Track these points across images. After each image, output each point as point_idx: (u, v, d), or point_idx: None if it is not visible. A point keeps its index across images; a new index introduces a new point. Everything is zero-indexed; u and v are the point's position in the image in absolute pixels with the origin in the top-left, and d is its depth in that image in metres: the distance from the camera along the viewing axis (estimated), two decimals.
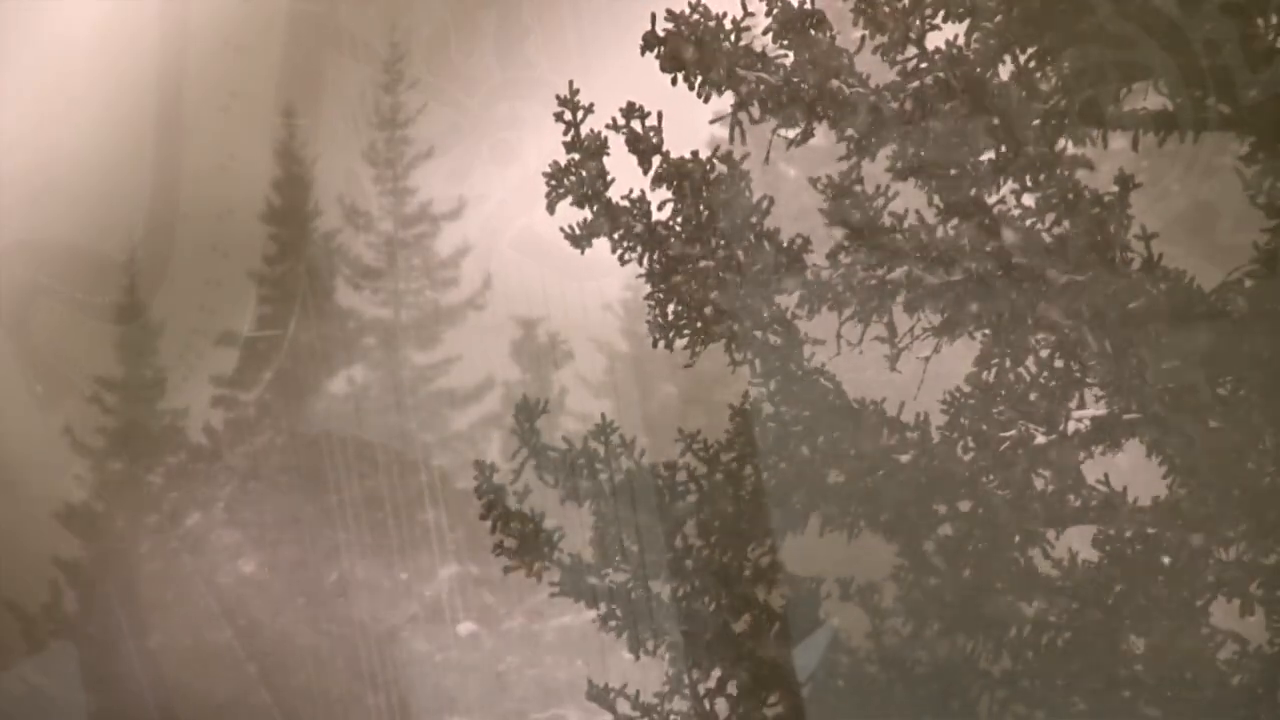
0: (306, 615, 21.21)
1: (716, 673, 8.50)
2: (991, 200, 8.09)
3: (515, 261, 21.47)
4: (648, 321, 8.41)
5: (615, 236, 8.31)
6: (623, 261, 8.33)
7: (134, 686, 20.89)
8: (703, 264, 8.24)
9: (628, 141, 8.24)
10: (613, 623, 8.51)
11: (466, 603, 21.12)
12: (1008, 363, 8.19)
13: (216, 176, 21.73)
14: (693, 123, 8.74)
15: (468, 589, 21.10)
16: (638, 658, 8.51)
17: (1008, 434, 8.14)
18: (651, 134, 8.25)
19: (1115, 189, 8.00)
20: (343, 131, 22.05)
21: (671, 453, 8.69)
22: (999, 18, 7.92)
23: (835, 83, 7.96)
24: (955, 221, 8.06)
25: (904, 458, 8.22)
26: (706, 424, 8.79)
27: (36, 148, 21.33)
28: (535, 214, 8.41)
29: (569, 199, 8.33)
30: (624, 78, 8.42)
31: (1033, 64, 7.95)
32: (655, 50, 8.09)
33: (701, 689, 8.45)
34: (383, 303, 22.44)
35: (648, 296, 8.38)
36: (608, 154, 8.30)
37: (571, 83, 8.25)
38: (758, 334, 8.29)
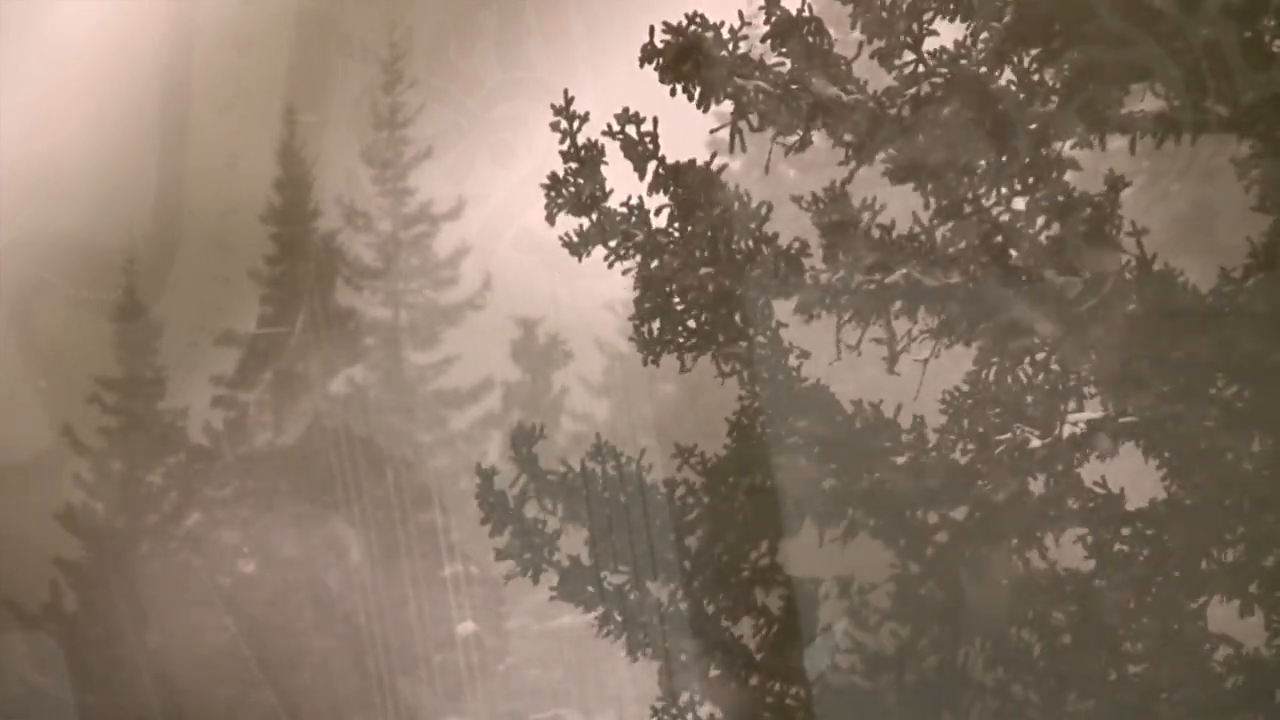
0: (307, 614, 21.22)
1: (714, 675, 8.51)
2: (988, 203, 8.09)
3: (515, 261, 21.47)
4: (631, 339, 8.41)
5: (612, 245, 8.30)
6: (623, 269, 8.32)
7: (135, 686, 20.90)
8: (703, 271, 8.23)
9: (623, 148, 8.23)
10: (610, 626, 8.51)
11: (467, 602, 21.12)
12: (1007, 363, 8.19)
13: (222, 173, 21.74)
14: (699, 121, 8.71)
15: (472, 588, 21.11)
16: (635, 659, 8.51)
17: (1003, 437, 8.14)
18: (647, 139, 8.24)
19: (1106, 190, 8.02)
20: (343, 131, 22.06)
21: (676, 444, 8.67)
22: (1007, 18, 7.91)
23: (833, 90, 7.96)
24: (951, 224, 8.06)
25: (899, 460, 8.22)
26: (707, 423, 8.77)
27: (40, 142, 21.32)
28: (535, 214, 8.40)
29: (568, 209, 8.32)
30: (625, 78, 8.40)
31: (1033, 66, 7.94)
32: (654, 62, 8.07)
33: (698, 693, 8.46)
34: (382, 303, 22.44)
35: (632, 317, 8.38)
36: (605, 163, 8.29)
37: (566, 91, 8.24)
38: (743, 344, 8.28)
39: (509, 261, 21.70)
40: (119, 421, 22.02)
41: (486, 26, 20.77)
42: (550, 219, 8.32)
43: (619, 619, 8.47)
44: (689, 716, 8.48)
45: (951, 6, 8.00)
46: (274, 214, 22.28)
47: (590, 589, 8.46)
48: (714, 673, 8.43)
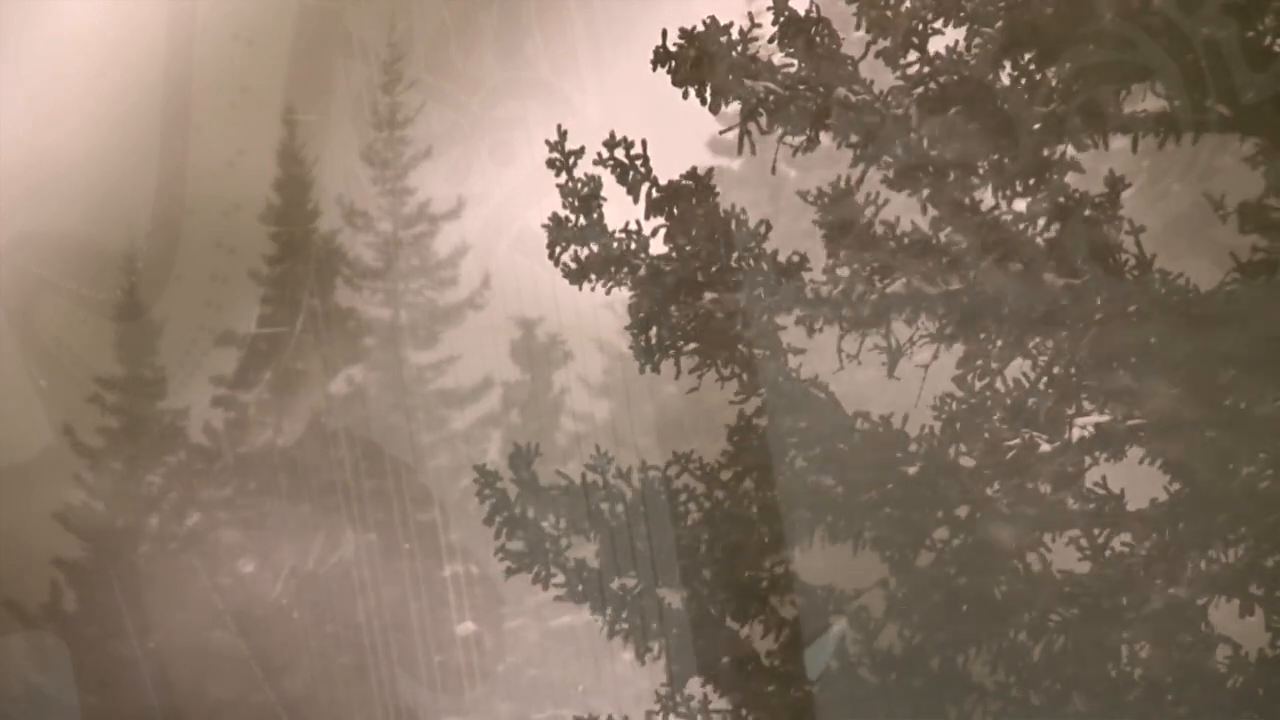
0: (307, 615, 21.22)
1: (720, 675, 8.50)
2: (987, 205, 8.08)
3: (515, 261, 21.48)
4: (630, 348, 8.39)
5: (611, 270, 8.30)
6: (628, 299, 8.32)
7: (134, 686, 20.90)
8: (708, 297, 8.21)
9: (615, 173, 8.20)
10: (618, 627, 8.48)
11: (467, 602, 21.12)
12: (993, 364, 8.17)
13: (222, 173, 21.73)
14: (704, 121, 8.67)
15: (472, 588, 21.11)
16: (643, 662, 8.49)
17: (1012, 443, 8.10)
18: (638, 162, 8.20)
19: (1106, 190, 8.01)
20: (343, 131, 22.06)
21: (674, 451, 8.66)
22: (999, 23, 7.91)
23: (842, 90, 7.94)
24: (949, 229, 8.05)
25: (911, 470, 8.18)
26: (709, 422, 8.76)
27: (40, 142, 21.33)
28: (535, 214, 8.37)
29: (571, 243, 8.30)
30: (626, 78, 8.38)
31: (1032, 67, 7.93)
32: (666, 65, 8.04)
33: (703, 693, 8.45)
34: (382, 303, 22.44)
35: (629, 326, 8.36)
36: (604, 199, 8.26)
37: (560, 126, 8.19)
38: (742, 348, 8.26)
39: (509, 261, 21.72)
40: (119, 421, 22.03)
41: (486, 26, 20.76)
42: (555, 260, 8.30)
43: (625, 620, 8.46)
44: (685, 708, 8.47)
45: (946, 12, 7.99)
46: (274, 214, 22.27)
47: (596, 592, 8.45)
48: (721, 667, 8.41)
